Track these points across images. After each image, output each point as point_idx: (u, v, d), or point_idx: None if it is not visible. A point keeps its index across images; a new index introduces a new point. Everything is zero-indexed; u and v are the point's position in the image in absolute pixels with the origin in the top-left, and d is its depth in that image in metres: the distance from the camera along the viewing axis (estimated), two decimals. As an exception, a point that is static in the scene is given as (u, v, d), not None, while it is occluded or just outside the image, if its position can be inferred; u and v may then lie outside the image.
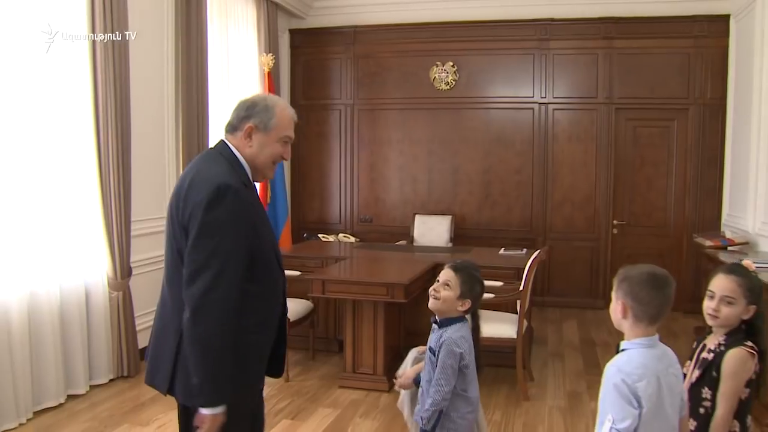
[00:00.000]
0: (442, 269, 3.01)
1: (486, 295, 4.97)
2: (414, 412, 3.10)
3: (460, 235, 8.05)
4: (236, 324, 2.22)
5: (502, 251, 6.38)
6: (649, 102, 7.75)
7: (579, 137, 7.95)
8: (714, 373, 2.50)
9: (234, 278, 2.21)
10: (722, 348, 2.51)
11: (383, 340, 5.03)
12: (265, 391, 4.90)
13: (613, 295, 2.23)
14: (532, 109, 8.02)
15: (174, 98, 5.92)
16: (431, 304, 2.97)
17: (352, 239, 8.08)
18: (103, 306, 5.02)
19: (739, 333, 2.51)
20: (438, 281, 2.96)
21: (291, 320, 5.26)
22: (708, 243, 6.48)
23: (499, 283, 5.27)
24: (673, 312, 7.59)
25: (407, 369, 3.30)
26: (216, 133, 6.62)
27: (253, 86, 7.42)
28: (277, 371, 2.67)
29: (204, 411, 2.19)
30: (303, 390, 5.06)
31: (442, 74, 8.18)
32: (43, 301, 4.48)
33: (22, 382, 4.24)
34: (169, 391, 2.36)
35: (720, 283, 2.53)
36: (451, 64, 8.16)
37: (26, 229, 4.39)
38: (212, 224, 2.20)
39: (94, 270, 4.97)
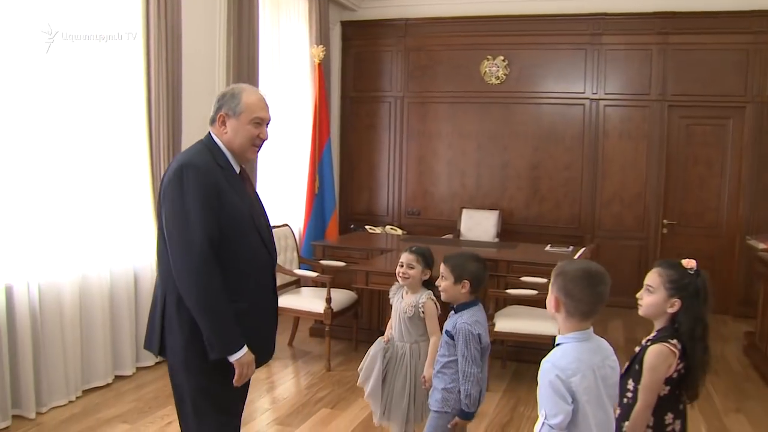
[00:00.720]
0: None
1: (529, 292, 5.02)
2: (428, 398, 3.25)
3: (507, 231, 8.02)
4: (220, 281, 2.46)
5: (548, 248, 6.34)
6: (704, 99, 7.57)
7: (630, 134, 7.82)
8: (636, 366, 2.56)
9: (205, 245, 2.42)
10: (648, 342, 2.57)
11: (425, 333, 5.05)
12: (306, 380, 5.02)
13: (549, 288, 2.27)
14: (583, 105, 7.92)
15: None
16: (441, 297, 3.18)
17: (399, 232, 8.12)
18: (150, 290, 5.07)
19: (668, 330, 2.55)
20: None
21: (334, 310, 5.33)
22: (761, 246, 6.31)
23: (543, 280, 5.24)
24: (722, 316, 7.48)
25: (427, 370, 3.40)
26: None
27: (303, 78, 7.50)
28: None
29: (230, 359, 2.49)
30: (344, 380, 5.12)
31: (493, 68, 8.14)
32: (94, 284, 4.64)
33: (72, 362, 4.42)
34: (160, 352, 2.64)
35: (648, 275, 2.63)
36: (502, 58, 8.11)
37: (79, 214, 4.56)
38: (179, 200, 2.45)
39: (143, 255, 5.09)
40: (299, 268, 5.95)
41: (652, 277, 2.58)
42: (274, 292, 2.79)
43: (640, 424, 2.50)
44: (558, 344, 2.22)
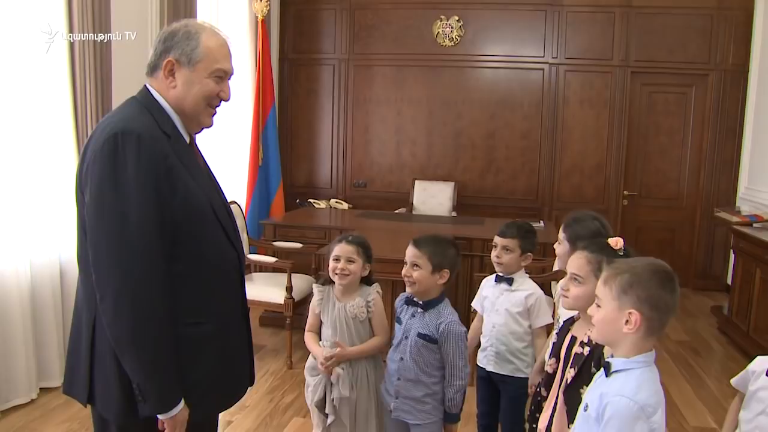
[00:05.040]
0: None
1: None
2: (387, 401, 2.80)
3: (461, 204, 7.51)
4: (167, 307, 1.79)
5: (519, 224, 5.87)
6: (667, 66, 7.23)
7: (591, 101, 7.42)
8: (594, 369, 2.04)
9: (150, 251, 1.76)
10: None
11: (401, 325, 4.50)
12: (267, 382, 4.39)
13: (615, 302, 1.71)
14: (542, 69, 7.45)
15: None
16: (408, 289, 2.72)
17: (345, 205, 7.52)
18: (82, 283, 4.37)
19: None
20: (405, 263, 2.70)
21: (295, 300, 4.72)
22: (735, 219, 6.05)
23: (526, 261, 4.75)
24: (683, 289, 7.23)
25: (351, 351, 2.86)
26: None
27: (242, 35, 6.73)
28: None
29: (160, 417, 1.82)
30: (309, 379, 4.52)
31: (446, 29, 7.55)
32: (10, 280, 3.82)
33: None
34: (89, 400, 1.91)
35: (571, 262, 2.18)
36: (457, 18, 7.52)
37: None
38: (111, 184, 1.75)
39: (71, 244, 4.30)
40: (249, 252, 5.28)
41: (578, 264, 2.13)
42: (244, 304, 2.12)
43: None
44: (617, 370, 1.71)
